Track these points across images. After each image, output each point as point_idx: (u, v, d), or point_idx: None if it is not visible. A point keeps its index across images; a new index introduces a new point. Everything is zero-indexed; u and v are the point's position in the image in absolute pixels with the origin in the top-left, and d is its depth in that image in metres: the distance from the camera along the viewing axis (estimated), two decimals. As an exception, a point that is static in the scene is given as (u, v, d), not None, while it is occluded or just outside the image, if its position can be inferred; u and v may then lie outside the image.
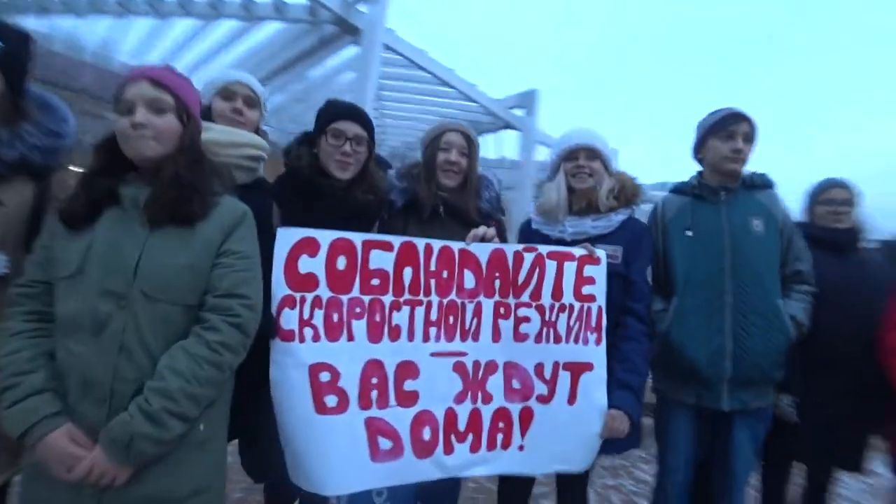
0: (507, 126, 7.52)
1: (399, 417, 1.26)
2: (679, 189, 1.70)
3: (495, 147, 9.73)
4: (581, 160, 1.50)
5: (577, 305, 1.36)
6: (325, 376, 1.19)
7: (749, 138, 1.57)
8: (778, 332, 1.50)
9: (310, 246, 1.20)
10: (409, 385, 1.27)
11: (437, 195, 1.47)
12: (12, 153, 1.05)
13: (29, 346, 0.93)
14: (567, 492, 1.54)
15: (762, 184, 1.62)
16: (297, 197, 1.36)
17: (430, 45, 5.51)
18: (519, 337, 1.36)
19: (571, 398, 1.34)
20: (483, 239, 1.36)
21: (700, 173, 1.68)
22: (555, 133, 9.03)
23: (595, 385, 1.35)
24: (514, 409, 1.36)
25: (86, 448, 0.88)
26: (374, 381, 1.25)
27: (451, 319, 1.32)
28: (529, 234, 1.59)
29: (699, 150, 1.67)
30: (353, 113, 1.40)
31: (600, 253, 1.39)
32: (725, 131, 1.56)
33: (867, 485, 2.70)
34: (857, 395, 1.65)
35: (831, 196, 1.79)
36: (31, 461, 0.93)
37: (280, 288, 1.17)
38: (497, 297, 1.35)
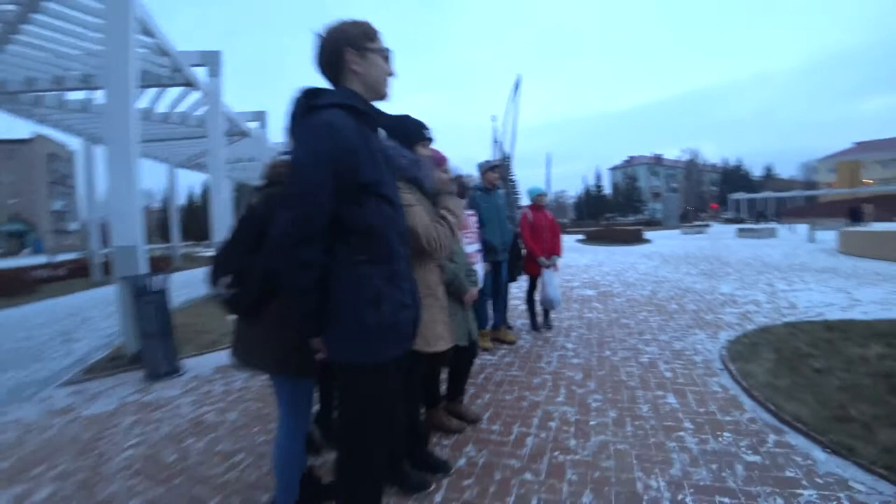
0: (188, 83, 8.60)
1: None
2: (477, 188, 4.51)
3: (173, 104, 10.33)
4: (462, 179, 4.07)
5: (476, 230, 3.97)
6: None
7: (499, 172, 4.54)
8: (510, 233, 4.60)
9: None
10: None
11: None
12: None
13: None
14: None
15: (499, 187, 4.65)
16: None
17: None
18: (466, 241, 3.84)
19: (480, 263, 3.97)
20: None
21: (483, 182, 4.53)
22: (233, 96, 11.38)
23: (481, 256, 4.03)
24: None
25: None
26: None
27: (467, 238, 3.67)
28: None
29: (483, 175, 4.51)
30: None
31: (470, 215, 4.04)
32: (494, 170, 4.47)
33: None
34: (513, 258, 5.01)
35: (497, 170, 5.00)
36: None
37: None
38: (467, 231, 3.79)
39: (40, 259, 24.42)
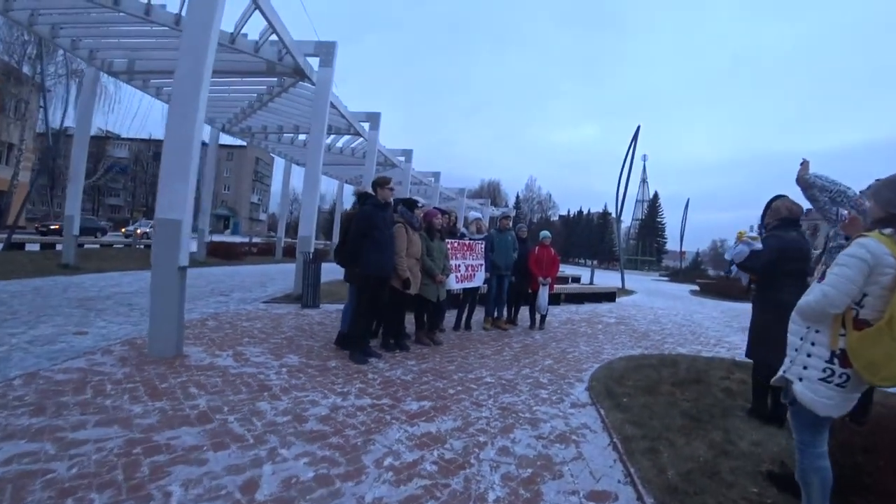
0: (357, 133, 13.01)
1: (459, 275, 6.38)
2: (494, 228, 7.27)
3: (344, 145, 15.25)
4: (478, 221, 6.90)
5: (481, 252, 6.75)
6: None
7: (510, 220, 7.27)
8: (512, 259, 7.23)
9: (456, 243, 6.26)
10: (461, 270, 6.39)
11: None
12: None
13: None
14: (470, 292, 6.95)
15: (510, 229, 7.34)
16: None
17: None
18: (471, 257, 6.62)
19: (481, 272, 6.74)
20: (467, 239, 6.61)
21: (498, 225, 7.27)
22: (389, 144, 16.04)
23: (483, 270, 6.79)
24: (469, 274, 6.60)
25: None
26: (461, 269, 6.36)
27: (463, 255, 6.48)
28: (461, 236, 6.86)
29: (499, 221, 7.26)
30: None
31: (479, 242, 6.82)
32: (506, 219, 7.21)
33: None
34: (523, 278, 7.57)
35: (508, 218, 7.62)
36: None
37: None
38: (469, 252, 6.58)
39: (243, 238, 32.87)
